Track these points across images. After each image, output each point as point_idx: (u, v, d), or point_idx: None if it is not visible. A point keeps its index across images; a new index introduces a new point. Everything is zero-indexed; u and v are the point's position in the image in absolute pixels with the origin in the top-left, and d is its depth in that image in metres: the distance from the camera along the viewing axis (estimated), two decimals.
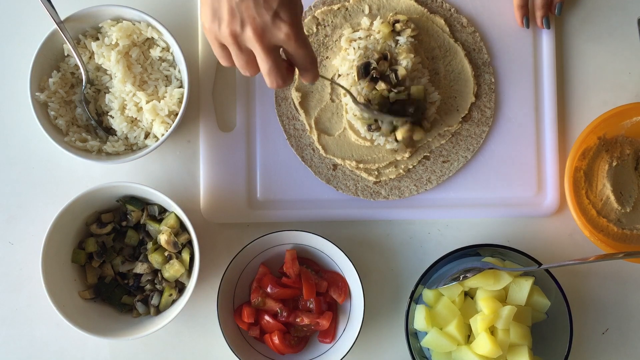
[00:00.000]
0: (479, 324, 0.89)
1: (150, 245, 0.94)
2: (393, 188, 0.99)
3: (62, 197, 0.92)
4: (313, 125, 0.98)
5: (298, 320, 0.95)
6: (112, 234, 0.96)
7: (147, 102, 0.94)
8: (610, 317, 1.00)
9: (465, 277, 0.91)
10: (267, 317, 0.95)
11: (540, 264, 0.90)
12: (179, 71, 0.97)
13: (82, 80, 0.96)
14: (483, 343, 0.88)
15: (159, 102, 0.95)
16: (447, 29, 0.99)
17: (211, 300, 0.97)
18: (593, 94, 1.02)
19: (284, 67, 0.72)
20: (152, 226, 0.95)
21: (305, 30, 0.98)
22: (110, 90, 0.96)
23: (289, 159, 0.99)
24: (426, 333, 0.92)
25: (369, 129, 0.94)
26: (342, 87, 0.90)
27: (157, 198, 0.93)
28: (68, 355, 0.99)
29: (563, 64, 1.03)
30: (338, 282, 0.97)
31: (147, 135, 0.97)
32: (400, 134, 0.93)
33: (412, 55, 0.95)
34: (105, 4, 0.94)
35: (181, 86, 0.97)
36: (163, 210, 0.96)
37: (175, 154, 1.01)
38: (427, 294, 0.94)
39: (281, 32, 0.69)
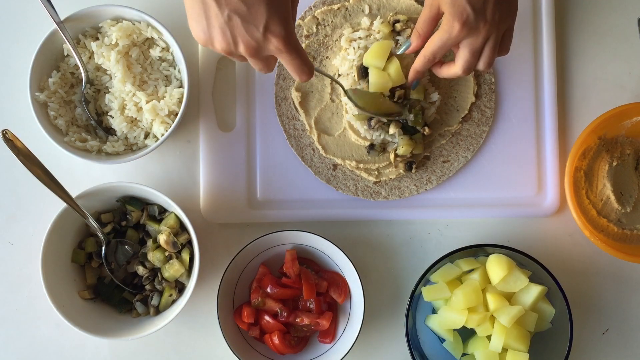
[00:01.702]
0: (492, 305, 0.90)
1: (150, 243, 0.94)
2: (393, 188, 0.99)
3: None
4: (313, 125, 0.98)
5: (298, 320, 0.95)
6: (112, 234, 0.96)
7: (147, 102, 0.94)
8: (610, 317, 1.00)
9: None
10: (267, 317, 0.95)
11: (540, 264, 0.90)
12: (179, 71, 0.97)
13: (82, 80, 0.96)
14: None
15: (159, 102, 0.95)
16: None
17: (211, 300, 0.97)
18: (593, 94, 1.02)
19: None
20: (151, 226, 0.95)
21: (305, 30, 0.98)
22: (110, 90, 0.96)
23: (289, 159, 0.99)
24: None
25: (369, 126, 0.94)
26: (338, 83, 0.90)
27: (157, 198, 0.93)
28: (68, 355, 0.99)
29: (563, 64, 1.03)
30: (338, 282, 0.97)
31: (147, 135, 0.97)
32: (400, 150, 0.94)
33: (412, 55, 0.95)
34: (105, 4, 0.94)
35: (181, 86, 0.97)
36: (163, 211, 0.96)
37: (175, 154, 1.01)
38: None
39: (272, 46, 0.69)
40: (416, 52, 0.85)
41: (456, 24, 0.76)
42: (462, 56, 0.80)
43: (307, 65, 0.73)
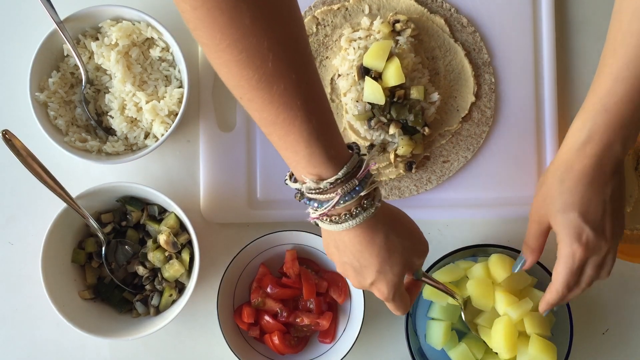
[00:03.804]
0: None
1: (150, 243, 0.94)
2: (393, 188, 0.99)
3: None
4: None
5: (298, 320, 0.95)
6: (112, 234, 0.96)
7: (147, 102, 0.94)
8: (610, 317, 1.00)
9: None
10: (267, 317, 0.95)
11: (540, 264, 0.90)
12: (179, 71, 0.97)
13: (81, 80, 0.96)
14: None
15: (159, 102, 0.95)
16: (447, 29, 0.99)
17: (211, 300, 0.97)
18: None
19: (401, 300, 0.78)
20: (151, 226, 0.95)
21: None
22: (110, 90, 0.96)
23: None
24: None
25: (369, 126, 0.94)
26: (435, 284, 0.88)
27: (157, 198, 0.93)
28: (68, 355, 0.99)
29: (563, 64, 1.03)
30: (338, 282, 0.97)
31: (147, 135, 0.97)
32: (400, 150, 0.94)
33: (412, 55, 0.95)
34: (105, 4, 0.94)
35: (181, 86, 0.97)
36: (163, 211, 0.96)
37: (175, 154, 1.01)
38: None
39: (375, 293, 0.76)
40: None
41: (577, 247, 0.72)
42: (587, 275, 0.76)
43: (401, 310, 0.78)
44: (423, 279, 0.83)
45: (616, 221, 0.74)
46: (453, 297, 0.89)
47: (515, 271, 0.84)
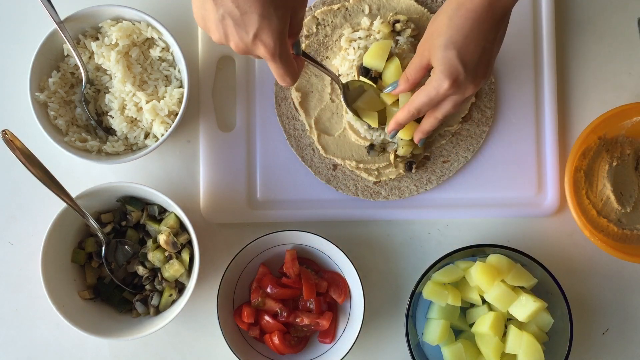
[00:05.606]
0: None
1: (150, 243, 0.94)
2: (393, 188, 0.99)
3: None
4: (313, 125, 0.98)
5: (298, 320, 0.95)
6: (112, 234, 0.96)
7: (147, 102, 0.94)
8: (610, 317, 1.00)
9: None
10: (267, 317, 0.95)
11: (540, 264, 0.90)
12: (179, 71, 0.97)
13: (82, 80, 0.96)
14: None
15: (159, 102, 0.95)
16: None
17: (211, 300, 0.97)
18: (593, 94, 1.02)
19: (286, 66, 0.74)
20: (151, 226, 0.95)
21: (305, 31, 0.98)
22: (110, 90, 0.96)
23: (289, 159, 0.99)
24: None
25: (369, 126, 0.94)
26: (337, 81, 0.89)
27: (157, 198, 0.93)
28: (68, 355, 0.99)
29: (563, 64, 1.03)
30: (338, 282, 0.97)
31: (147, 135, 0.97)
32: (400, 150, 0.94)
33: (412, 55, 0.95)
34: (105, 4, 0.94)
35: (181, 86, 0.97)
36: (163, 211, 0.96)
37: (175, 154, 1.01)
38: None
39: (260, 52, 0.71)
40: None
41: (446, 81, 0.75)
42: (444, 108, 0.81)
43: (290, 75, 0.75)
44: (303, 56, 0.80)
45: (488, 68, 0.77)
46: (333, 78, 0.89)
47: (385, 91, 0.88)
